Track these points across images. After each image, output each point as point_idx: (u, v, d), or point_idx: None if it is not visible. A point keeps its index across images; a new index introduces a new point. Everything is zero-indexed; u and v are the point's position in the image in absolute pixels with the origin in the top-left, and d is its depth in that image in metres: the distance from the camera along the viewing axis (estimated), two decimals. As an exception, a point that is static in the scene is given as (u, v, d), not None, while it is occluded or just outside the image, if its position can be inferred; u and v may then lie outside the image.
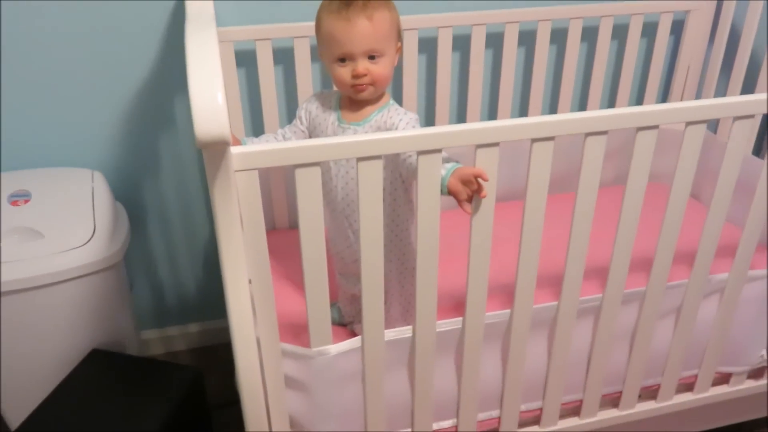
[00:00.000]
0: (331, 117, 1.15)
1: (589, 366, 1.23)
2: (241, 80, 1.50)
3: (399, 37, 1.12)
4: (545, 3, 1.59)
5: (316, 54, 1.45)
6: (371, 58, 1.06)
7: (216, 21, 1.07)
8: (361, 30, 1.03)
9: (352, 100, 1.13)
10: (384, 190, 1.13)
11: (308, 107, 1.18)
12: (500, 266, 1.17)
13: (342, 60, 1.07)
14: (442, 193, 0.97)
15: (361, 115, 1.13)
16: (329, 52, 1.07)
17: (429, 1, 1.53)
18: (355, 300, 1.30)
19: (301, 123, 1.19)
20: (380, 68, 1.07)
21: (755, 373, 1.41)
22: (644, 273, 1.17)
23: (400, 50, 1.13)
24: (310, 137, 1.18)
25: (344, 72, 1.07)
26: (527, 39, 1.62)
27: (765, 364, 1.38)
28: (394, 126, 1.10)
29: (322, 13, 1.07)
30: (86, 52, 1.40)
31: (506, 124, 0.93)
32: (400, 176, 1.14)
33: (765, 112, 1.04)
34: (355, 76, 1.06)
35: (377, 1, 1.05)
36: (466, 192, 0.96)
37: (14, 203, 1.31)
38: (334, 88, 1.16)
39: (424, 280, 1.01)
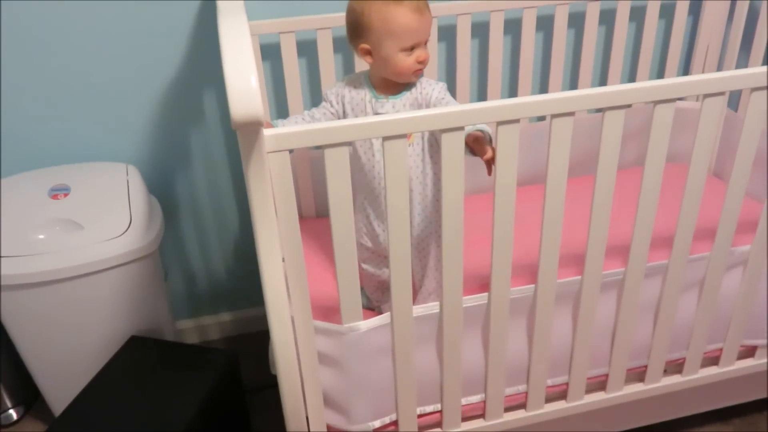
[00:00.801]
0: (367, 95, 1.20)
1: (614, 340, 1.25)
2: (267, 72, 1.55)
3: None
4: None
5: (339, 45, 1.51)
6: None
7: (242, 14, 1.11)
8: (428, 20, 1.14)
9: (385, 80, 1.19)
10: (424, 164, 1.19)
11: (338, 91, 1.23)
12: (525, 247, 1.20)
13: (411, 49, 1.13)
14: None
15: (396, 90, 1.19)
16: (398, 43, 1.12)
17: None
18: (382, 286, 1.34)
19: (332, 106, 1.23)
20: (428, 53, 1.17)
21: (781, 346, 1.42)
22: (668, 248, 1.19)
23: None
24: (343, 118, 1.23)
25: (410, 59, 1.14)
26: (546, 23, 1.64)
27: (790, 336, 1.38)
28: (429, 95, 1.17)
29: (386, 7, 1.11)
30: (118, 50, 1.45)
31: (527, 100, 0.96)
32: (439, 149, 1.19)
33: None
34: (422, 62, 1.14)
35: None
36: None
37: (55, 197, 1.37)
38: (357, 70, 1.19)
39: (450, 255, 1.04)
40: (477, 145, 1.07)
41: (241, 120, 0.77)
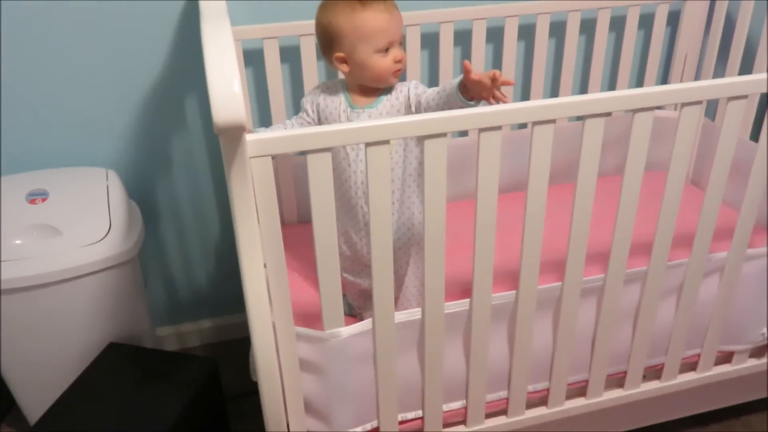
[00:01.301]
0: (342, 105, 1.20)
1: (594, 346, 1.26)
2: (249, 78, 1.55)
3: None
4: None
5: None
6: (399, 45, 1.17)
7: (225, 19, 1.11)
8: (398, 19, 1.15)
9: (364, 88, 1.18)
10: (400, 170, 1.19)
11: (314, 99, 1.23)
12: (507, 254, 1.21)
13: (386, 50, 1.14)
14: (459, 98, 1.06)
15: (370, 100, 1.19)
16: (371, 45, 1.13)
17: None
18: (364, 293, 1.34)
19: (308, 115, 1.23)
20: (404, 54, 1.17)
21: (757, 352, 1.44)
22: (647, 255, 1.20)
23: None
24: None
25: (387, 60, 1.15)
26: (527, 32, 1.66)
27: (766, 342, 1.41)
28: (406, 95, 1.18)
29: (353, 11, 1.12)
30: (98, 54, 1.44)
31: (508, 107, 0.96)
32: (415, 157, 1.20)
33: (759, 91, 1.07)
34: (399, 61, 1.15)
35: None
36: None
37: (32, 201, 1.35)
38: (340, 76, 1.20)
39: (431, 261, 1.05)
40: (472, 84, 1.06)
41: (223, 125, 0.77)
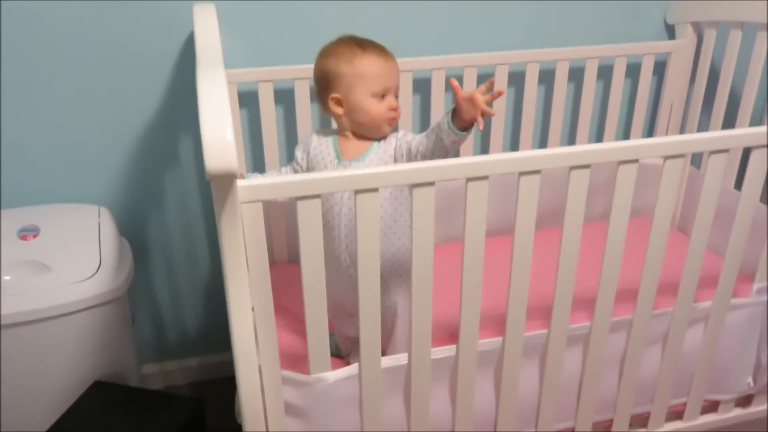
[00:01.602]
0: (330, 155, 1.21)
1: (581, 393, 1.26)
2: (244, 119, 1.57)
3: None
4: (534, 45, 1.67)
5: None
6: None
7: (222, 63, 1.13)
8: (395, 68, 1.18)
9: (354, 134, 1.20)
10: (389, 217, 1.19)
11: (305, 147, 1.25)
12: (495, 298, 1.21)
13: (381, 96, 1.16)
14: (450, 128, 1.07)
15: (359, 153, 1.20)
16: (367, 89, 1.15)
17: (423, 45, 1.61)
18: (351, 338, 1.34)
19: (298, 163, 1.25)
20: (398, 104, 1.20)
21: (742, 401, 1.44)
22: (633, 303, 1.22)
23: None
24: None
25: (382, 106, 1.17)
26: (517, 80, 1.69)
27: (752, 391, 1.41)
28: (393, 147, 1.19)
29: (353, 54, 1.16)
30: (95, 92, 1.46)
31: (495, 158, 0.99)
32: (406, 206, 1.20)
33: (739, 145, 1.10)
34: (394, 109, 1.17)
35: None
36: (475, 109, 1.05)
37: (23, 237, 1.36)
38: (333, 126, 1.22)
39: (419, 307, 1.05)
40: (464, 102, 1.07)
41: (215, 172, 0.78)
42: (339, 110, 1.19)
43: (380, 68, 1.16)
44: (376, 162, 1.19)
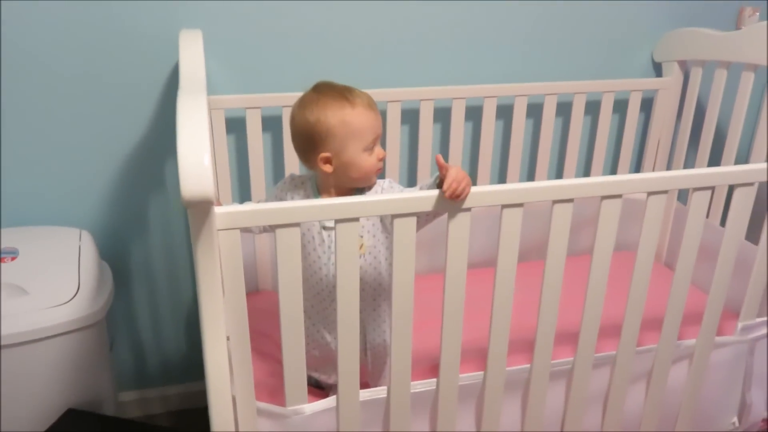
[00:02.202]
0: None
1: (563, 430, 1.24)
2: (231, 146, 1.57)
3: None
4: (523, 79, 1.68)
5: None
6: None
7: (208, 89, 1.12)
8: (379, 116, 1.13)
9: (338, 188, 1.15)
10: (386, 249, 1.17)
11: (280, 195, 1.20)
12: (477, 332, 1.20)
13: (371, 148, 1.12)
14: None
15: None
16: (361, 143, 1.10)
17: (411, 76, 1.61)
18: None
19: None
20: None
21: (729, 441, 1.42)
22: (617, 338, 1.20)
23: None
24: None
25: (373, 159, 1.12)
26: (505, 113, 1.70)
27: (737, 430, 1.39)
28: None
29: (342, 110, 1.09)
30: (78, 114, 1.46)
31: (479, 190, 0.98)
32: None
33: (723, 183, 1.10)
34: (381, 159, 1.13)
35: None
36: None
37: (1, 260, 1.34)
38: (302, 172, 1.18)
39: (398, 341, 1.04)
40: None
41: (191, 198, 0.77)
42: (328, 168, 1.12)
43: (370, 121, 1.11)
44: None
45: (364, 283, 1.15)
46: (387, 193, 1.14)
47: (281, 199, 1.19)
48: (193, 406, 1.79)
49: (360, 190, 1.16)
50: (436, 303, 1.22)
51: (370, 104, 1.12)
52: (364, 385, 1.18)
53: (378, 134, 1.13)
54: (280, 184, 1.22)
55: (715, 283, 1.22)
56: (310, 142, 1.12)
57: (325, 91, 1.12)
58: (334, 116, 1.09)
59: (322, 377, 1.27)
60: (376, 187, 1.17)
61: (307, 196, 1.17)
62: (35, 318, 1.26)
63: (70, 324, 1.28)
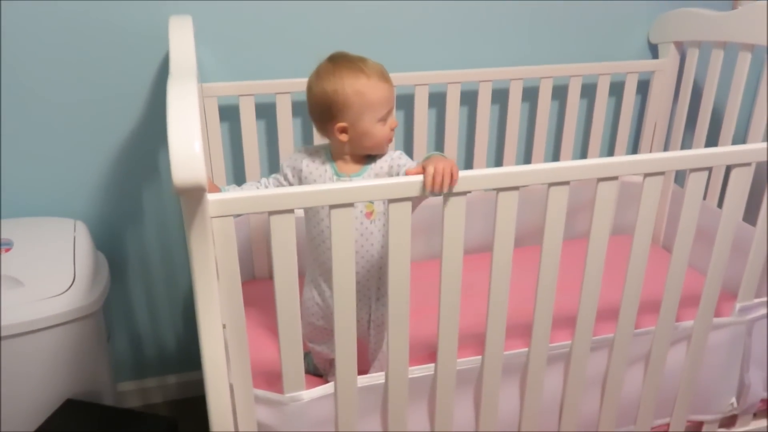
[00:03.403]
0: (327, 171, 1.18)
1: (562, 413, 1.24)
2: (225, 133, 1.55)
3: None
4: (518, 62, 1.67)
5: (298, 109, 1.53)
6: None
7: (201, 77, 1.12)
8: (393, 87, 1.16)
9: (352, 156, 1.18)
10: (380, 235, 1.18)
11: (295, 165, 1.21)
12: (474, 315, 1.20)
13: (385, 119, 1.15)
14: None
15: (357, 168, 1.18)
16: (376, 114, 1.13)
17: (406, 61, 1.60)
18: (330, 361, 1.31)
19: (286, 179, 1.22)
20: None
21: (726, 422, 1.42)
22: (614, 321, 1.20)
23: None
24: None
25: (385, 129, 1.15)
26: (500, 97, 1.69)
27: (735, 411, 1.39)
28: (389, 166, 1.17)
29: (359, 81, 1.11)
30: (71, 104, 1.44)
31: (472, 174, 0.97)
32: None
33: (721, 163, 1.09)
34: (393, 128, 1.16)
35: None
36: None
37: (-3, 251, 1.33)
38: (317, 141, 1.19)
39: (395, 325, 1.03)
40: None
41: (182, 185, 0.77)
42: (344, 138, 1.15)
43: (384, 92, 1.14)
44: (373, 178, 1.17)
45: (373, 250, 1.17)
46: (396, 166, 1.16)
47: (296, 167, 1.21)
48: (192, 395, 1.79)
49: (372, 158, 1.18)
50: (433, 289, 1.22)
51: (384, 75, 1.14)
52: (364, 365, 1.19)
53: (391, 105, 1.15)
54: (293, 154, 1.24)
55: (712, 264, 1.21)
56: (327, 112, 1.15)
57: (341, 62, 1.14)
58: (351, 87, 1.12)
59: (324, 351, 1.28)
60: (386, 156, 1.18)
61: (323, 163, 1.19)
62: (31, 309, 1.25)
63: (66, 315, 1.28)
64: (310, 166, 1.20)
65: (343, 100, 1.12)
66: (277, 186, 1.23)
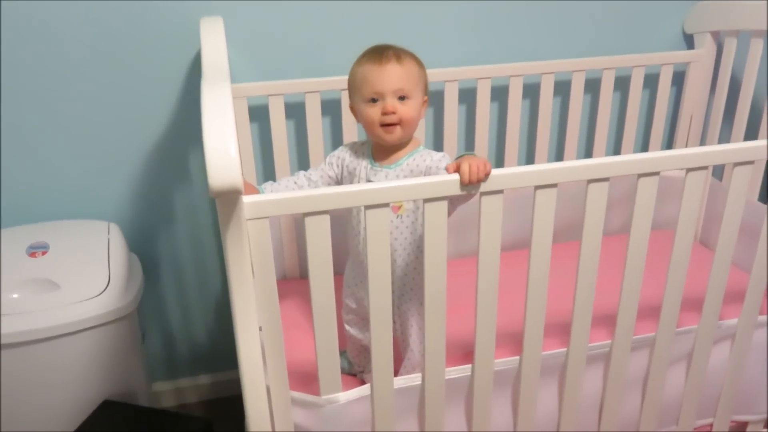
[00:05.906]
0: (364, 162, 1.19)
1: (602, 414, 1.22)
2: (254, 133, 1.55)
3: (425, 90, 1.18)
4: (549, 56, 1.64)
5: (327, 108, 1.53)
6: (401, 99, 1.11)
7: (230, 77, 1.11)
8: (392, 70, 1.11)
9: (384, 146, 1.16)
10: (414, 236, 1.16)
11: (341, 155, 1.23)
12: (511, 315, 1.18)
13: (373, 100, 1.11)
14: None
15: (393, 160, 1.17)
16: (360, 94, 1.13)
17: (436, 57, 1.58)
18: (365, 351, 1.31)
19: (331, 168, 1.22)
20: (408, 109, 1.12)
21: (772, 422, 1.39)
22: (655, 320, 1.17)
23: (426, 104, 1.18)
24: (341, 183, 1.22)
25: (374, 111, 1.12)
26: (532, 92, 1.66)
27: (781, 412, 1.36)
28: (427, 168, 1.12)
29: (356, 63, 1.16)
30: (104, 107, 1.45)
31: (509, 171, 0.96)
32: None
33: (763, 157, 1.06)
34: (385, 113, 1.10)
35: (408, 54, 1.14)
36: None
37: (32, 255, 1.34)
38: (345, 142, 1.19)
39: (432, 326, 1.02)
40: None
41: (219, 188, 0.76)
42: (357, 120, 1.19)
43: (370, 74, 1.11)
44: (407, 173, 1.15)
45: (396, 244, 1.16)
46: (435, 168, 1.12)
47: (341, 158, 1.22)
48: (225, 394, 1.80)
49: (409, 154, 1.15)
50: (465, 288, 1.20)
51: (383, 58, 1.11)
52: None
53: (380, 90, 1.10)
54: (342, 146, 1.25)
55: (757, 260, 1.18)
56: (348, 92, 1.19)
57: (370, 48, 1.16)
58: (352, 68, 1.16)
59: (359, 337, 1.27)
60: (427, 154, 1.14)
61: (363, 156, 1.20)
62: (68, 312, 1.27)
63: (101, 317, 1.29)
64: (351, 156, 1.21)
65: (350, 80, 1.17)
66: (322, 177, 1.22)
